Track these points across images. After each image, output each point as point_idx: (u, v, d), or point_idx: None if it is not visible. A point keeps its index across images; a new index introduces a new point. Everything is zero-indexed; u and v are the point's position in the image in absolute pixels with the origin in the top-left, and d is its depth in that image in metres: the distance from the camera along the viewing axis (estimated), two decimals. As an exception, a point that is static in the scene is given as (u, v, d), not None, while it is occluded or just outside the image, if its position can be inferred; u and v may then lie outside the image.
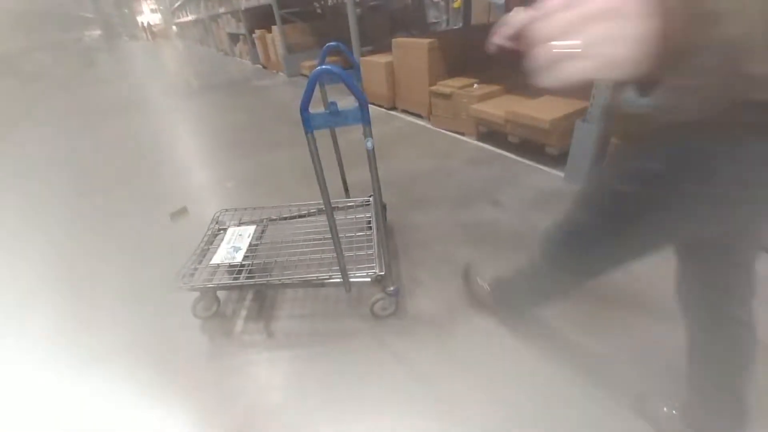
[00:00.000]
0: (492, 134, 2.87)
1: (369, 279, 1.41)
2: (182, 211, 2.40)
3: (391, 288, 1.44)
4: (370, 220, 1.77)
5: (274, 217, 1.86)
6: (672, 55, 0.38)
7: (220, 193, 2.72)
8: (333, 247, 1.33)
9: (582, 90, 2.25)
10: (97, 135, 4.61)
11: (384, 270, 1.41)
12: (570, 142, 2.24)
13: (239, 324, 1.56)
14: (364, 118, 1.01)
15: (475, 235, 1.93)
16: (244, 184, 2.77)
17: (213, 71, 8.73)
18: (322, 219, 1.77)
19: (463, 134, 3.11)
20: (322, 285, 1.46)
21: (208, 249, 1.66)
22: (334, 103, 1.01)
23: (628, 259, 0.82)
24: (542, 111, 2.43)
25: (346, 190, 1.90)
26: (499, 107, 2.70)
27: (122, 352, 1.48)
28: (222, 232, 1.77)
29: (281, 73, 6.89)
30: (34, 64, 7.28)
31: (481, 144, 2.94)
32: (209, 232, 1.76)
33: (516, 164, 2.60)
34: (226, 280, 1.54)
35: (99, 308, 1.74)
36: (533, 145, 2.55)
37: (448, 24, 9.94)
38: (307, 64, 6.16)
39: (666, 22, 0.35)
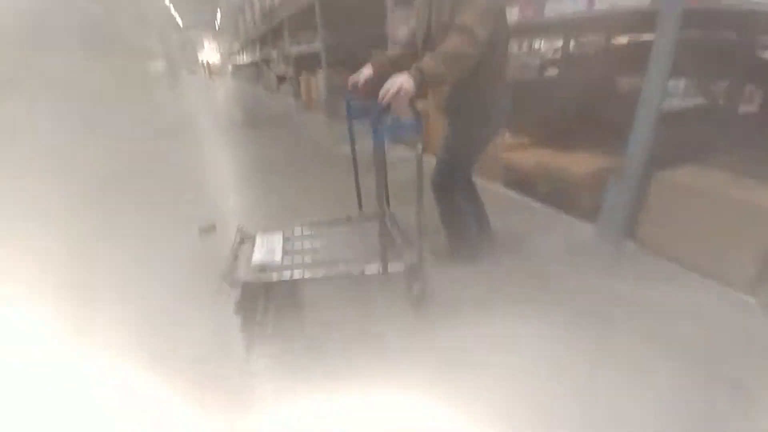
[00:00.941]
0: (521, 182, 2.87)
1: (403, 267, 1.61)
2: (211, 228, 2.46)
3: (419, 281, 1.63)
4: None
5: (297, 228, 2.00)
6: (424, 83, 1.34)
7: (249, 218, 2.80)
8: (358, 251, 1.72)
9: (617, 149, 2.25)
10: (149, 158, 4.94)
11: (416, 259, 1.60)
12: (601, 195, 2.20)
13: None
14: (419, 130, 1.37)
15: (496, 284, 1.86)
16: (274, 212, 2.84)
17: (257, 108, 9.36)
18: (339, 229, 2.00)
19: (491, 180, 3.12)
20: (362, 274, 1.60)
21: (238, 255, 1.76)
22: (397, 118, 1.36)
23: (473, 162, 1.84)
24: (575, 163, 2.44)
25: (360, 203, 2.09)
26: (530, 157, 2.72)
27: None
28: (246, 241, 1.87)
29: (320, 115, 7.29)
30: (96, 85, 8.01)
31: (509, 192, 2.93)
32: (237, 240, 1.87)
33: (544, 214, 2.56)
34: (274, 278, 1.61)
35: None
36: (563, 196, 2.51)
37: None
38: (346, 106, 6.47)
39: (420, 78, 1.32)
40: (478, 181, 3.14)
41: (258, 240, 1.84)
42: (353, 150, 1.97)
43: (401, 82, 1.28)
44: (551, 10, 2.35)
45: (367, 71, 1.68)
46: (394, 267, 1.60)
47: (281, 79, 10.75)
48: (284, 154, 4.52)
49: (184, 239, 2.40)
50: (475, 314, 1.64)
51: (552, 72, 8.53)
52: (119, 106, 8.90)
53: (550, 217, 2.52)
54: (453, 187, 1.82)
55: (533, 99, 3.86)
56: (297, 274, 1.60)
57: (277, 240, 1.83)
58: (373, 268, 1.59)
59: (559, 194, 2.53)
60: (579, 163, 2.46)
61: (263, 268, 1.63)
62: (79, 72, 7.06)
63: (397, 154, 2.21)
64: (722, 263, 1.76)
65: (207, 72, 26.85)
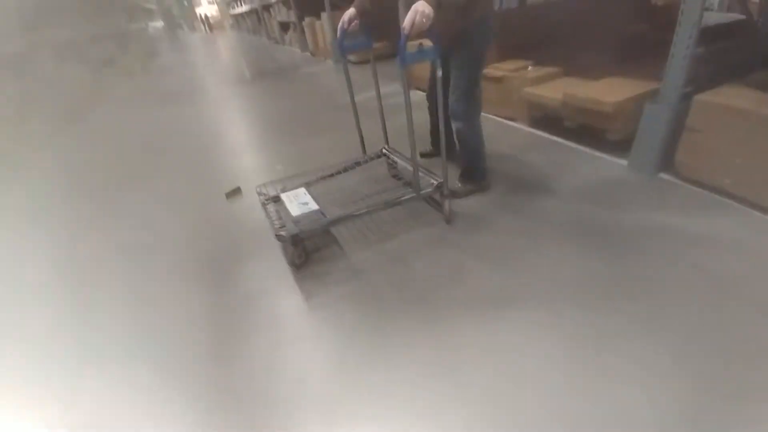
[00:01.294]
0: (546, 120, 2.72)
1: (434, 185, 1.82)
2: (236, 191, 2.51)
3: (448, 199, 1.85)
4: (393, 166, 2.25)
5: (313, 178, 2.12)
6: (440, 7, 1.43)
7: (271, 175, 2.81)
8: (378, 191, 1.92)
9: (651, 69, 2.07)
10: (160, 120, 4.95)
11: (444, 179, 1.80)
12: (634, 127, 2.07)
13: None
14: (438, 53, 1.56)
15: (525, 225, 1.85)
16: (292, 167, 2.84)
17: (264, 60, 9.00)
18: (354, 174, 2.19)
19: (513, 120, 2.98)
20: (399, 203, 1.83)
21: (274, 212, 1.86)
22: (421, 44, 1.52)
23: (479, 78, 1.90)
24: (605, 93, 2.26)
25: (363, 146, 2.26)
26: (556, 90, 2.54)
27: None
28: (271, 201, 1.97)
29: (329, 60, 6.96)
30: (101, 52, 7.90)
31: (533, 130, 2.80)
32: (262, 200, 1.98)
33: (572, 151, 2.45)
34: (323, 223, 1.75)
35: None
36: (592, 131, 2.38)
37: (501, 3, 9.47)
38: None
39: (436, 3, 1.41)
40: (501, 122, 3.02)
41: (285, 197, 1.94)
42: (350, 92, 2.10)
43: (422, 9, 1.40)
44: None
45: (351, 11, 1.85)
46: (426, 190, 1.82)
47: (284, 25, 10.19)
48: (293, 107, 4.42)
49: (212, 204, 2.47)
50: (516, 259, 1.63)
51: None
52: (126, 71, 8.78)
53: (580, 154, 2.41)
54: (476, 111, 1.96)
55: (558, 21, 3.53)
56: (342, 214, 1.76)
57: (302, 193, 1.95)
58: (408, 193, 1.82)
59: (588, 130, 2.39)
60: (611, 91, 2.28)
61: (306, 217, 1.76)
62: (85, 40, 6.93)
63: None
64: (765, 192, 1.66)
65: (207, 27, 25.73)
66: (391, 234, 1.90)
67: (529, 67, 2.89)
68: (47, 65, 5.14)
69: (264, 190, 2.05)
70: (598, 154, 2.35)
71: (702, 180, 1.90)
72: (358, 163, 2.22)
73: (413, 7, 1.42)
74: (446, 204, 1.88)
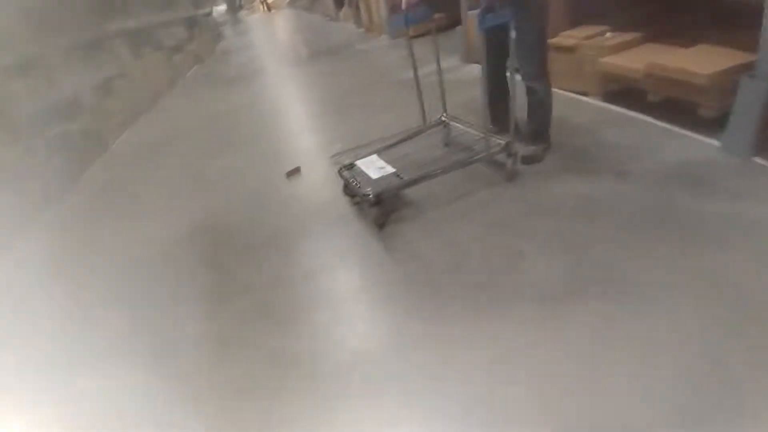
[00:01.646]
0: (624, 94, 2.45)
1: (502, 144, 1.93)
2: (296, 171, 2.62)
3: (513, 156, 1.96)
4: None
5: (381, 146, 2.20)
6: None
7: (331, 152, 2.88)
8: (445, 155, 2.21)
9: (748, 41, 1.76)
10: (226, 101, 5.24)
11: (511, 138, 1.92)
12: (730, 102, 1.80)
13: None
14: (514, 17, 1.66)
15: (592, 212, 1.71)
16: (351, 145, 2.88)
17: (319, 38, 9.06)
18: (416, 141, 2.28)
19: (585, 94, 2.72)
20: (471, 164, 2.02)
21: (355, 181, 1.99)
22: (494, 13, 1.65)
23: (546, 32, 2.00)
24: (697, 63, 1.98)
25: (424, 117, 2.38)
26: (638, 59, 2.27)
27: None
28: (345, 169, 2.09)
29: (383, 36, 6.83)
30: (172, 38, 8.45)
31: (608, 105, 2.54)
32: (340, 169, 2.10)
33: (655, 129, 2.19)
34: (399, 183, 1.92)
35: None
36: (679, 107, 2.10)
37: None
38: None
39: None
40: (570, 96, 2.77)
41: (360, 164, 2.07)
42: (414, 66, 2.23)
43: None
44: None
45: None
46: (495, 150, 1.94)
47: (339, 2, 10.11)
48: (349, 85, 4.42)
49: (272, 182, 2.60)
50: (597, 249, 1.53)
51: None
52: (195, 56, 9.34)
53: (664, 132, 2.14)
54: (547, 67, 2.02)
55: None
56: (418, 174, 1.92)
57: (375, 159, 2.07)
58: (478, 153, 1.99)
59: (675, 105, 2.12)
60: (704, 61, 1.98)
61: (385, 179, 1.91)
62: (155, 28, 7.46)
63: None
64: None
65: (265, 7, 26.45)
66: (454, 197, 1.99)
67: (607, 34, 2.59)
68: (124, 53, 5.61)
69: (339, 159, 2.19)
70: (685, 132, 2.08)
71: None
72: (419, 132, 2.33)
73: None
74: (509, 163, 1.98)
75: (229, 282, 1.83)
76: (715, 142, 1.93)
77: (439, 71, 2.25)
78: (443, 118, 2.37)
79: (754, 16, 1.65)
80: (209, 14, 14.11)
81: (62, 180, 3.34)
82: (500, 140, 1.94)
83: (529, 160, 2.10)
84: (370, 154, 2.12)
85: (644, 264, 1.40)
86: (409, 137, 2.30)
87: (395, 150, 2.21)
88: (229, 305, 1.69)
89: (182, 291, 1.84)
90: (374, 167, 2.00)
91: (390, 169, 1.94)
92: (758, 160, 1.77)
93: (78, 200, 3.17)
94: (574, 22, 2.89)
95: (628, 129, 2.25)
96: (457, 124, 2.30)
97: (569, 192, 1.85)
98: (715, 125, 1.93)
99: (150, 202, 2.80)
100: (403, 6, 1.99)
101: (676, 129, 2.13)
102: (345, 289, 1.69)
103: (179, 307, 1.74)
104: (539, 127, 2.13)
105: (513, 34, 1.70)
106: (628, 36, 2.53)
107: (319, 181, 2.51)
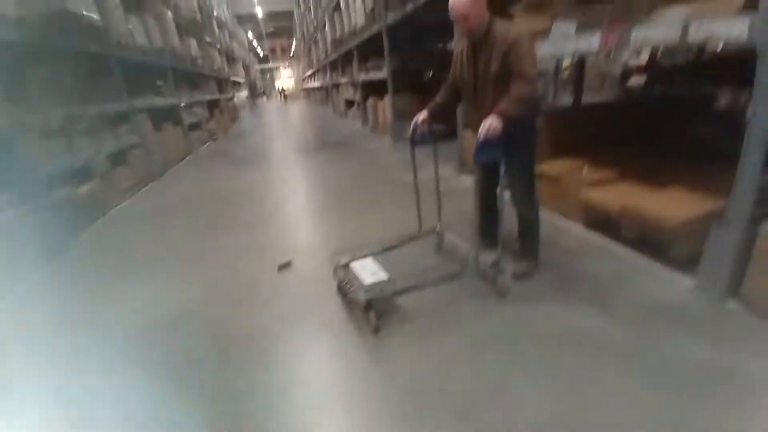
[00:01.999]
0: (604, 223, 2.65)
1: (491, 262, 2.08)
2: (288, 264, 2.66)
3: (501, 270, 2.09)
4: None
5: (377, 250, 2.37)
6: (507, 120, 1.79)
7: (326, 248, 2.95)
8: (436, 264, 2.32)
9: (718, 184, 1.99)
10: (232, 180, 5.50)
11: (500, 257, 2.08)
12: (701, 245, 1.96)
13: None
14: (507, 152, 1.88)
15: (577, 345, 1.74)
16: (347, 242, 2.95)
17: (328, 131, 9.90)
18: (416, 245, 2.48)
19: (568, 219, 2.94)
20: (459, 275, 2.16)
21: (349, 282, 2.09)
22: (489, 145, 1.83)
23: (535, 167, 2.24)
24: (668, 208, 2.19)
25: (420, 223, 2.54)
26: (614, 197, 2.51)
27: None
28: (341, 268, 2.18)
29: (387, 137, 7.49)
30: (193, 116, 9.19)
31: (590, 233, 2.73)
32: (337, 272, 2.21)
33: (632, 262, 2.33)
34: (391, 290, 2.01)
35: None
36: (654, 242, 2.27)
37: (555, 94, 9.85)
38: (412, 130, 6.63)
39: (504, 119, 1.79)
40: (557, 220, 2.98)
41: (356, 266, 2.12)
42: (415, 176, 2.43)
43: (495, 124, 1.78)
44: (639, 37, 2.18)
45: (423, 114, 2.24)
46: (484, 265, 2.08)
47: (349, 103, 11.27)
48: (351, 179, 4.71)
49: (264, 273, 2.62)
50: (588, 391, 1.53)
51: (636, 81, 7.81)
52: (210, 134, 9.99)
53: (639, 266, 2.28)
54: (538, 196, 2.27)
55: (616, 121, 3.57)
56: (408, 285, 2.07)
57: (371, 263, 2.13)
58: (466, 269, 2.12)
59: (650, 241, 2.30)
60: (674, 205, 2.21)
61: (378, 285, 1.96)
62: (182, 107, 8.14)
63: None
64: None
65: (282, 97, 29.30)
66: (444, 309, 2.07)
67: (585, 170, 2.90)
68: (146, 126, 6.03)
69: (335, 258, 2.27)
70: (660, 268, 2.22)
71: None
72: (415, 238, 2.52)
73: (486, 121, 1.79)
74: (500, 279, 2.09)
75: (201, 384, 1.73)
76: (690, 282, 2.04)
77: (437, 182, 2.46)
78: (438, 229, 2.55)
79: (724, 159, 1.83)
80: (231, 98, 15.52)
81: (49, 245, 3.33)
82: (490, 257, 2.08)
83: (519, 276, 2.24)
84: (365, 256, 2.21)
85: (633, 414, 1.38)
86: (404, 242, 2.48)
87: (391, 254, 2.36)
88: (198, 414, 1.57)
89: (149, 384, 1.73)
90: (368, 271, 2.05)
91: (383, 275, 1.99)
92: (732, 304, 1.86)
93: (60, 269, 3.12)
94: (557, 153, 3.25)
95: (608, 259, 2.39)
96: (450, 236, 2.49)
97: (556, 320, 1.90)
98: (690, 263, 2.06)
99: (133, 279, 2.75)
100: (410, 129, 2.24)
101: (653, 264, 2.26)
102: (322, 405, 1.61)
103: (144, 405, 1.62)
104: (529, 247, 2.30)
105: (503, 168, 1.93)
106: (605, 173, 2.83)
107: (310, 276, 2.54)
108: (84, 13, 4.31)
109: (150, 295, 2.49)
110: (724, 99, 5.08)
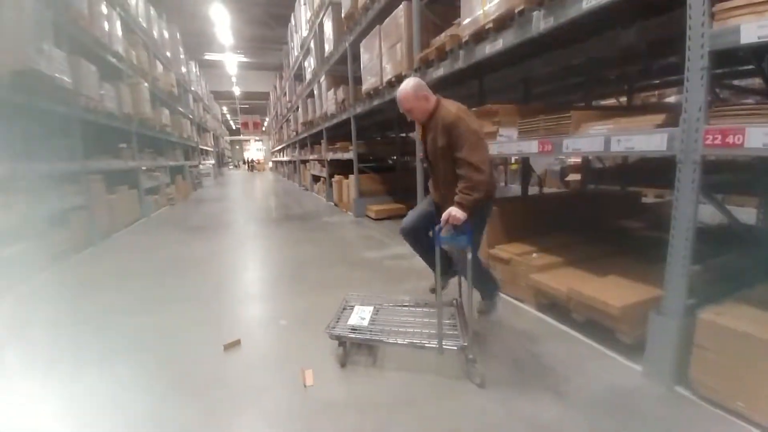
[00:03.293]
0: (554, 306, 2.75)
1: (456, 347, 2.05)
2: (235, 343, 2.44)
3: (471, 356, 2.04)
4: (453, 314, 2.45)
5: (386, 304, 2.60)
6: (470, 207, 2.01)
7: (273, 329, 2.77)
8: (427, 327, 2.24)
9: (653, 272, 2.18)
10: (182, 249, 5.22)
11: (468, 342, 2.06)
12: (643, 331, 2.05)
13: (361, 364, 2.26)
14: (469, 241, 2.00)
15: (537, 434, 1.67)
16: (298, 322, 2.81)
17: (292, 203, 9.96)
18: (420, 309, 2.54)
19: (521, 301, 3.02)
20: (422, 348, 2.10)
21: (340, 317, 2.40)
22: (453, 234, 2.04)
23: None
24: (610, 294, 2.33)
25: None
26: (561, 281, 2.65)
27: None
28: (349, 308, 2.50)
29: (350, 213, 7.65)
30: (153, 180, 8.98)
31: (542, 316, 2.80)
32: (342, 307, 2.52)
33: (583, 347, 2.38)
34: (357, 336, 2.21)
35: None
36: (602, 326, 2.36)
37: (506, 185, 10.80)
38: (374, 207, 6.86)
39: (464, 207, 1.99)
40: (511, 302, 3.05)
41: (356, 309, 2.47)
42: (438, 253, 2.10)
43: (455, 213, 1.98)
44: (569, 147, 2.51)
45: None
46: (449, 345, 2.04)
47: (316, 178, 11.63)
48: (310, 256, 4.63)
49: (208, 354, 2.38)
50: None
51: (573, 177, 8.79)
52: (168, 199, 9.72)
53: (591, 351, 2.33)
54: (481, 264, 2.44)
55: (559, 211, 3.94)
56: (374, 337, 2.20)
57: (368, 310, 2.44)
58: (432, 344, 2.06)
59: (598, 324, 2.39)
60: (615, 292, 2.36)
61: (353, 329, 2.25)
62: (141, 170, 7.96)
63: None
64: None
65: (249, 167, 29.80)
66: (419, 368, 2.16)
67: (534, 255, 3.08)
68: (96, 187, 5.78)
69: (350, 298, 2.65)
70: (609, 353, 2.27)
71: (717, 400, 1.77)
72: (418, 304, 2.61)
73: (449, 210, 2.00)
74: (475, 368, 2.02)
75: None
76: (638, 367, 2.09)
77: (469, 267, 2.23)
78: (454, 302, 2.50)
79: (655, 247, 2.00)
80: (196, 165, 15.49)
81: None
82: (457, 342, 2.07)
83: (483, 313, 2.57)
84: (372, 305, 2.54)
85: None
86: (410, 305, 2.61)
87: (395, 309, 2.56)
88: None
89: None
90: (359, 315, 2.38)
91: (365, 323, 2.29)
92: (679, 389, 1.90)
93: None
94: (509, 239, 3.46)
95: (560, 343, 2.43)
96: (462, 313, 2.38)
97: (515, 411, 1.83)
98: (636, 347, 2.13)
99: (46, 357, 2.38)
100: (440, 222, 2.06)
101: (602, 348, 2.32)
102: None
103: None
104: (486, 289, 2.47)
105: (470, 255, 1.99)
106: (552, 258, 3.01)
107: (257, 359, 2.33)
108: (56, 75, 4.34)
109: (60, 386, 2.12)
110: (650, 195, 5.81)
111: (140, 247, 5.56)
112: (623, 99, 5.91)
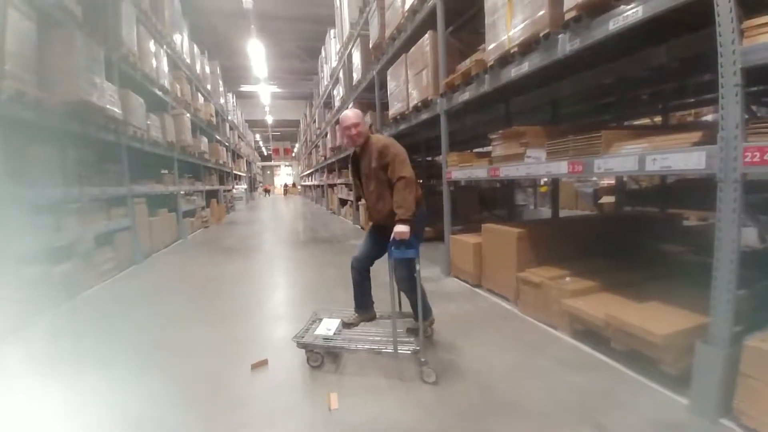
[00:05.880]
0: (591, 333, 2.60)
1: (410, 352, 2.29)
2: (263, 363, 2.47)
3: (423, 359, 2.27)
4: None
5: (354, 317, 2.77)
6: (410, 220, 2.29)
7: (299, 350, 2.77)
8: (387, 336, 2.41)
9: (696, 299, 2.03)
10: (215, 269, 5.41)
11: (420, 347, 2.30)
12: (689, 361, 1.91)
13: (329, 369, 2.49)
14: (417, 254, 2.31)
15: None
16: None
17: (319, 226, 10.15)
18: (385, 320, 2.71)
19: (555, 328, 2.88)
20: (380, 353, 2.37)
21: (309, 329, 2.61)
22: (402, 248, 2.29)
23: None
24: (651, 321, 2.19)
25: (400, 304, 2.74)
26: (598, 307, 2.51)
27: None
28: (318, 320, 2.72)
29: (376, 235, 7.68)
30: (190, 203, 9.45)
31: (577, 343, 2.65)
32: (311, 319, 2.77)
33: (623, 377, 2.23)
34: (323, 344, 2.46)
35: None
36: (643, 355, 2.21)
37: (535, 207, 10.54)
38: (401, 231, 6.85)
39: (406, 222, 2.27)
40: (541, 327, 2.93)
41: (324, 320, 2.70)
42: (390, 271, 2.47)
43: (400, 230, 2.25)
44: (601, 167, 2.44)
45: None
46: (403, 350, 2.28)
47: (343, 201, 11.84)
48: (335, 278, 4.64)
49: (236, 372, 2.41)
50: None
51: (606, 200, 8.46)
52: (203, 222, 10.15)
53: (632, 383, 2.18)
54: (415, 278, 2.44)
55: (591, 234, 3.77)
56: (338, 345, 2.44)
57: (335, 323, 2.65)
58: (388, 349, 2.31)
59: (638, 354, 2.24)
60: (657, 319, 2.21)
61: (319, 338, 2.49)
62: (179, 195, 8.41)
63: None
64: None
65: (284, 191, 31.04)
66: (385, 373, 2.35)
67: (567, 279, 2.96)
68: (141, 210, 6.14)
69: (319, 313, 2.86)
70: (652, 385, 2.12)
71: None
72: (382, 317, 2.79)
73: (396, 228, 2.26)
74: (424, 368, 2.25)
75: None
76: (683, 400, 1.94)
77: (419, 282, 2.43)
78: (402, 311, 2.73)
79: (698, 273, 1.89)
80: (230, 190, 16.19)
81: (12, 322, 3.09)
82: (411, 347, 2.31)
83: (412, 332, 2.57)
84: (339, 318, 2.72)
85: None
86: (381, 317, 2.79)
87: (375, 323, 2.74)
88: None
89: None
90: (326, 327, 2.60)
91: (330, 334, 2.51)
92: (724, 421, 1.76)
93: (16, 350, 2.84)
94: (538, 262, 3.35)
95: (599, 374, 2.28)
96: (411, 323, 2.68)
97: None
98: (680, 378, 1.99)
99: (86, 373, 2.48)
100: (391, 239, 2.28)
101: (643, 380, 2.16)
102: None
103: None
104: (421, 311, 2.42)
105: (418, 266, 2.30)
106: (587, 283, 2.88)
107: (280, 380, 2.34)
108: (107, 106, 4.74)
109: (93, 394, 2.21)
110: (693, 217, 5.49)
111: (177, 266, 5.80)
112: (657, 119, 5.74)
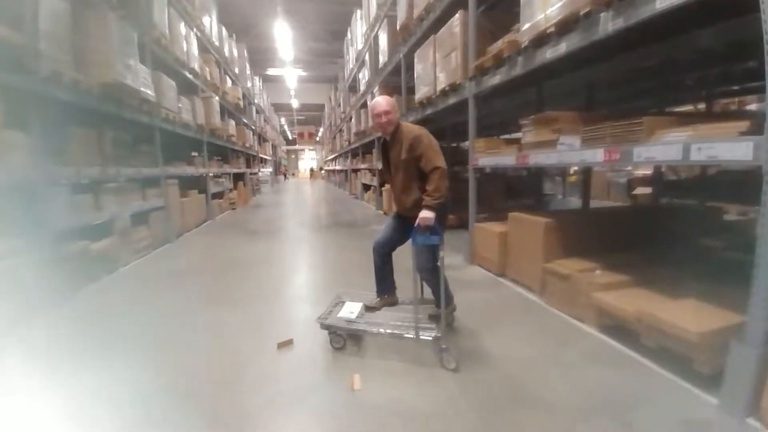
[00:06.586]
0: (619, 329, 2.53)
1: (431, 338, 2.32)
2: (288, 342, 2.55)
3: (444, 345, 2.28)
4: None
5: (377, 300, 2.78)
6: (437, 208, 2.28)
7: (323, 332, 2.85)
8: (408, 321, 2.48)
9: (733, 297, 1.93)
10: (242, 250, 5.57)
11: (441, 333, 2.31)
12: (723, 360, 1.83)
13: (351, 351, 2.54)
14: (442, 241, 2.28)
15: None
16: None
17: (342, 211, 10.23)
18: (406, 305, 2.72)
19: (581, 321, 2.82)
20: (401, 338, 2.39)
21: (332, 311, 2.67)
22: (427, 234, 2.28)
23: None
24: (686, 318, 2.10)
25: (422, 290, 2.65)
26: (629, 302, 2.43)
27: None
28: (341, 303, 2.78)
29: (398, 221, 7.67)
30: (218, 186, 9.73)
31: (604, 338, 2.59)
32: (334, 301, 2.81)
33: (652, 375, 2.16)
34: (346, 326, 2.51)
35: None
36: (675, 353, 2.13)
37: (564, 197, 10.21)
38: (424, 217, 6.81)
39: (433, 210, 2.26)
40: (568, 320, 2.87)
41: (347, 303, 2.75)
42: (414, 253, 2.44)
43: (426, 216, 2.24)
44: (641, 155, 2.32)
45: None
46: (425, 335, 2.32)
47: (366, 186, 11.85)
48: (357, 261, 4.69)
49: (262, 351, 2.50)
50: None
51: (641, 191, 8.08)
52: (230, 203, 10.43)
53: (661, 380, 2.11)
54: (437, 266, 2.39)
55: (623, 227, 3.62)
56: (360, 328, 2.48)
57: (357, 306, 2.68)
58: (410, 334, 2.34)
59: (670, 351, 2.16)
60: (691, 316, 2.12)
61: (342, 320, 2.54)
62: (208, 177, 8.66)
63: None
64: None
65: (310, 173, 31.44)
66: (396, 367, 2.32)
67: (597, 272, 2.87)
68: (173, 191, 6.37)
69: (341, 294, 2.93)
70: (682, 383, 2.04)
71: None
72: (403, 302, 2.80)
73: (421, 214, 2.25)
74: (444, 355, 2.27)
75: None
76: (712, 399, 1.88)
77: (442, 269, 2.40)
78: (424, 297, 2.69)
79: (736, 271, 1.80)
80: (256, 173, 16.51)
81: (56, 295, 3.31)
82: (432, 333, 2.34)
83: (433, 318, 2.59)
84: (361, 301, 2.74)
85: None
86: (402, 303, 2.80)
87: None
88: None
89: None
90: (348, 310, 2.65)
91: (352, 317, 2.55)
92: (750, 420, 1.71)
93: (57, 321, 3.05)
94: (566, 254, 3.25)
95: (626, 370, 2.22)
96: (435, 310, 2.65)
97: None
98: (711, 377, 1.92)
99: (120, 345, 2.63)
100: (415, 226, 2.27)
101: (673, 378, 2.09)
102: None
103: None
104: (441, 299, 2.39)
105: (442, 253, 2.26)
106: (618, 276, 2.78)
107: (303, 360, 2.40)
108: (141, 89, 4.88)
109: (118, 373, 2.30)
110: (732, 211, 5.18)
111: (207, 246, 6.02)
112: (700, 106, 5.38)
